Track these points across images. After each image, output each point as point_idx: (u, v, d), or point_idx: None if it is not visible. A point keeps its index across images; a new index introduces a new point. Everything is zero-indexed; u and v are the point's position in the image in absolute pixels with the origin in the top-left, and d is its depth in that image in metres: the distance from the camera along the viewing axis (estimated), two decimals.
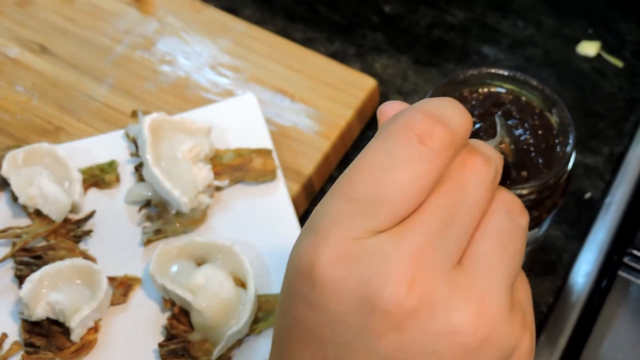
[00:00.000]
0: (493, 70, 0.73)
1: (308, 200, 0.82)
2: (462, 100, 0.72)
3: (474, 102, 0.72)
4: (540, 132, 0.71)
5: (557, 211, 0.71)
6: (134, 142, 0.79)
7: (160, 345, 0.69)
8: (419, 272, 0.38)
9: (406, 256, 0.38)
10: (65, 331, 0.70)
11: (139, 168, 0.78)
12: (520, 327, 0.40)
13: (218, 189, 0.77)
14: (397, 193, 0.39)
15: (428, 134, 0.39)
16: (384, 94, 0.90)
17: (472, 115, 0.71)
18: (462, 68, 0.92)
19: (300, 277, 0.39)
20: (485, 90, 0.73)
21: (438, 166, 0.39)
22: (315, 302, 0.39)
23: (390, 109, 0.43)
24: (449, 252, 0.39)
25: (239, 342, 0.70)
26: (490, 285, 0.39)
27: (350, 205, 0.39)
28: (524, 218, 0.42)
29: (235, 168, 0.78)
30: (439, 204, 0.39)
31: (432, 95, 0.71)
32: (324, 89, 0.86)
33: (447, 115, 0.40)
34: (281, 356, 0.42)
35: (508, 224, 0.41)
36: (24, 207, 0.76)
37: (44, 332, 0.70)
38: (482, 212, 0.40)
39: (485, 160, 0.41)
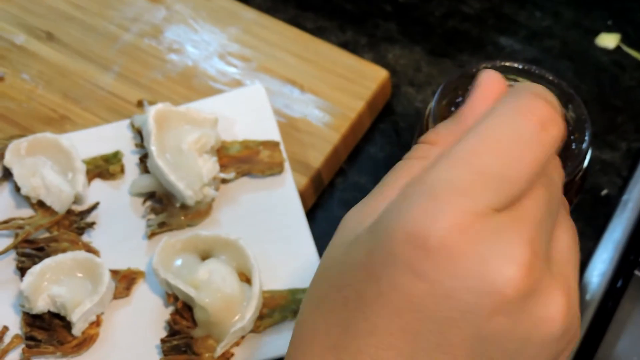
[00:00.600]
0: (507, 64, 0.70)
1: (316, 194, 0.81)
2: None
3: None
4: None
5: (573, 208, 0.69)
6: (139, 132, 0.77)
7: (163, 340, 0.68)
8: (535, 258, 0.38)
9: (526, 241, 0.38)
10: (67, 325, 0.69)
11: (144, 159, 0.76)
12: (578, 315, 0.42)
13: (224, 181, 0.76)
14: (522, 173, 0.39)
15: (550, 121, 0.40)
16: (396, 85, 0.88)
17: None
18: (477, 59, 0.90)
19: (409, 243, 0.38)
20: None
21: (552, 154, 0.41)
22: (425, 273, 0.38)
23: (492, 81, 0.45)
24: (548, 242, 0.40)
25: (243, 339, 0.68)
26: (573, 278, 0.41)
27: (476, 177, 0.38)
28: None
29: (242, 160, 0.76)
30: (544, 193, 0.40)
31: (445, 89, 0.69)
32: (335, 79, 0.84)
33: (556, 104, 0.41)
34: (352, 323, 0.40)
35: (569, 219, 0.43)
36: (27, 198, 0.74)
37: (45, 325, 0.69)
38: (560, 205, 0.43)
39: (559, 163, 0.43)
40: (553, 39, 0.92)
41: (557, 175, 0.43)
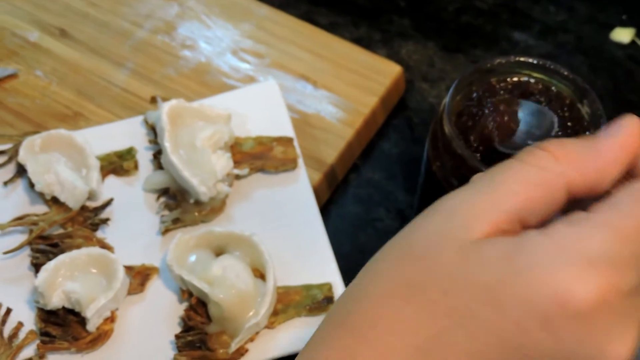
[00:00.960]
0: (522, 59, 0.70)
1: (330, 190, 0.81)
2: (490, 89, 0.70)
3: (501, 92, 0.70)
4: (570, 123, 0.68)
5: None
6: (153, 129, 0.77)
7: (177, 336, 0.68)
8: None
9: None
10: (81, 321, 0.69)
11: (157, 155, 0.76)
12: None
13: (237, 177, 0.75)
14: None
15: None
16: (409, 81, 0.88)
17: (499, 105, 0.69)
18: (491, 55, 0.90)
19: (549, 298, 0.39)
20: (514, 79, 0.71)
21: None
22: (551, 326, 0.39)
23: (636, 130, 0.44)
24: None
25: (257, 335, 0.68)
26: None
27: (630, 257, 0.39)
28: None
29: (256, 156, 0.76)
30: None
31: (459, 84, 0.69)
32: (348, 75, 0.84)
33: None
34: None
35: None
36: (41, 194, 0.74)
37: (59, 321, 0.69)
38: None
39: None
40: (567, 33, 0.92)
41: None
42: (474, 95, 0.70)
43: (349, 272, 0.74)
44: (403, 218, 0.80)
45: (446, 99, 0.68)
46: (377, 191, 0.81)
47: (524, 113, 0.68)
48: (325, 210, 0.80)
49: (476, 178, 0.45)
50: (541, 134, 0.67)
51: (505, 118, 0.69)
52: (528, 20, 0.92)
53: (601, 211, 0.41)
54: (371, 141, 0.84)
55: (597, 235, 0.40)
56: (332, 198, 0.81)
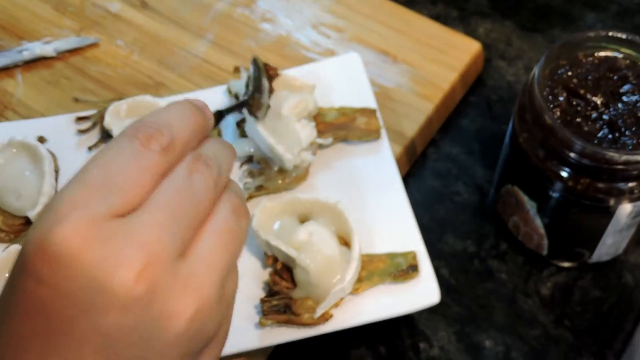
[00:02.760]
0: (611, 33, 0.70)
1: (409, 163, 0.81)
2: (576, 64, 0.70)
3: (588, 67, 0.70)
4: None
5: None
6: (236, 97, 0.78)
7: (263, 300, 0.68)
8: (148, 261, 0.41)
9: (137, 245, 0.41)
10: None
11: (241, 124, 0.76)
12: (223, 317, 0.46)
13: (321, 146, 0.76)
14: (124, 180, 0.43)
15: (148, 138, 0.44)
16: (487, 59, 0.88)
17: (586, 80, 0.69)
18: (568, 34, 0.89)
19: (32, 253, 0.41)
20: (602, 54, 0.71)
21: (158, 162, 0.44)
22: (44, 278, 0.41)
23: None
24: (174, 244, 0.42)
25: (341, 301, 0.69)
26: (206, 279, 0.43)
27: (84, 189, 0.42)
28: (245, 220, 0.47)
29: (339, 127, 0.76)
30: (166, 199, 0.43)
31: (547, 59, 0.69)
32: (428, 51, 0.84)
33: (171, 123, 0.45)
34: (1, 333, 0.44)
35: (231, 224, 0.46)
36: None
37: None
38: (207, 210, 0.45)
39: (207, 165, 0.46)
40: None
41: (197, 179, 0.45)
42: (562, 71, 0.70)
43: (428, 244, 0.74)
44: (481, 193, 0.80)
45: (535, 71, 0.68)
46: (455, 166, 0.82)
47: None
48: (404, 183, 0.80)
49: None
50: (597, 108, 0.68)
51: (591, 94, 0.69)
52: (605, 1, 0.92)
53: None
54: (449, 117, 0.84)
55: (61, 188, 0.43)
56: (411, 171, 0.81)
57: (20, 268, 0.42)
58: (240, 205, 0.47)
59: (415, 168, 0.81)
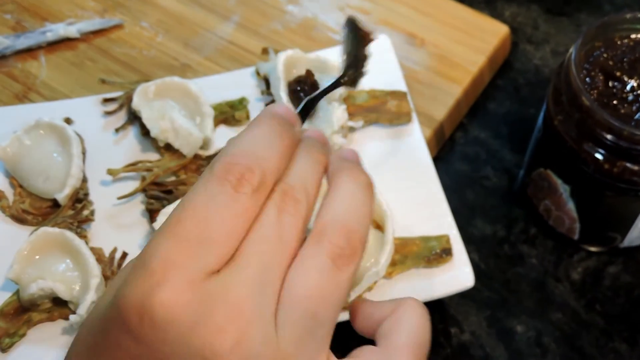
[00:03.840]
0: None
1: (438, 147, 0.80)
2: (612, 45, 0.69)
3: (624, 49, 0.69)
4: None
5: None
6: (265, 79, 0.77)
7: None
8: (243, 329, 0.41)
9: (233, 311, 0.41)
10: None
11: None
12: None
13: (352, 129, 0.75)
14: (219, 233, 0.41)
15: (239, 180, 0.42)
16: (514, 43, 0.87)
17: (622, 62, 0.69)
18: (594, 19, 0.89)
19: (131, 313, 0.41)
20: (638, 36, 0.70)
21: (251, 206, 0.42)
22: (141, 338, 0.41)
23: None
24: (267, 301, 0.42)
25: (375, 285, 0.68)
26: (295, 352, 0.42)
27: (181, 246, 0.41)
28: (347, 269, 0.45)
29: (369, 109, 0.75)
30: (257, 252, 0.42)
31: (583, 40, 0.68)
32: (455, 34, 0.84)
33: (259, 155, 0.43)
34: None
35: (326, 278, 0.43)
36: (153, 142, 0.74)
37: None
38: (294, 252, 0.43)
39: (296, 201, 0.44)
40: None
41: (286, 219, 0.43)
42: (597, 53, 0.69)
43: (458, 228, 0.73)
44: (510, 177, 0.79)
45: (572, 51, 0.67)
46: (483, 150, 0.81)
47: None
48: (437, 164, 0.80)
49: None
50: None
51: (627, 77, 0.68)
52: None
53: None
54: (477, 101, 0.84)
55: (150, 241, 0.42)
56: (439, 155, 0.81)
57: (116, 321, 0.41)
58: (344, 248, 0.44)
59: (443, 152, 0.81)
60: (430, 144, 0.78)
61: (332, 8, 0.85)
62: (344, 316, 0.53)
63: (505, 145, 0.81)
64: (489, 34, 0.83)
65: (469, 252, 0.75)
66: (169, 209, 0.69)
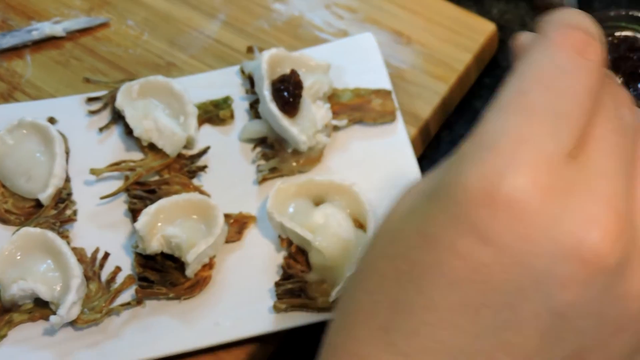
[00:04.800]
0: (631, 12, 0.69)
1: (424, 145, 0.80)
2: None
3: (608, 47, 0.69)
4: None
5: None
6: (250, 78, 0.77)
7: (277, 284, 0.68)
8: (620, 220, 0.34)
9: (604, 198, 0.34)
10: (179, 267, 0.68)
11: (254, 105, 0.75)
12: None
13: (336, 128, 0.75)
14: (576, 106, 0.35)
15: (586, 46, 0.36)
16: (501, 40, 0.86)
17: (606, 60, 0.68)
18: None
19: (473, 202, 0.33)
20: (623, 34, 0.70)
21: (599, 78, 0.36)
22: (492, 235, 0.33)
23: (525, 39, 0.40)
24: (627, 197, 0.35)
25: None
26: None
27: (531, 120, 0.34)
28: None
29: (354, 108, 0.75)
30: (611, 133, 0.36)
31: None
32: (442, 31, 0.83)
33: (591, 29, 0.38)
34: (404, 298, 0.36)
35: None
36: (137, 141, 0.74)
37: (157, 266, 0.69)
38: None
39: (624, 96, 0.39)
40: None
41: (627, 111, 0.38)
42: None
43: None
44: None
45: None
46: None
47: None
48: (418, 165, 0.79)
49: None
50: None
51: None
52: None
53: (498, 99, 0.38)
54: (463, 99, 0.83)
55: (486, 120, 0.37)
56: (424, 154, 0.80)
57: (448, 219, 0.34)
58: None
59: (429, 150, 0.80)
60: (415, 142, 0.77)
61: (318, 6, 0.85)
62: None
63: None
64: (476, 32, 0.83)
65: None
66: (150, 208, 0.68)
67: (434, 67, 0.81)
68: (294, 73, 0.72)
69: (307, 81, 0.73)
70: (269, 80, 0.73)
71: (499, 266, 0.33)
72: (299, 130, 0.71)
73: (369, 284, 0.38)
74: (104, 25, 0.85)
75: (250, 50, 0.79)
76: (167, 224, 0.69)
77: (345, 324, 0.38)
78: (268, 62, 0.73)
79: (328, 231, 0.67)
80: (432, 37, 0.83)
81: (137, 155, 0.74)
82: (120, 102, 0.74)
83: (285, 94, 0.71)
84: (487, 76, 0.85)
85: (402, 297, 0.36)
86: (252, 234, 0.71)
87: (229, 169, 0.74)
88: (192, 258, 0.66)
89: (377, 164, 0.73)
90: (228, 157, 0.75)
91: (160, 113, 0.73)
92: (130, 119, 0.73)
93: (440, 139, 0.81)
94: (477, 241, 0.33)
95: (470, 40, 0.82)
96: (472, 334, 0.35)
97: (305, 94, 0.73)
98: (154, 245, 0.68)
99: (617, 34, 0.70)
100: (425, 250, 0.35)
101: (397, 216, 0.39)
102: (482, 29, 0.83)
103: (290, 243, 0.69)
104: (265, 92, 0.72)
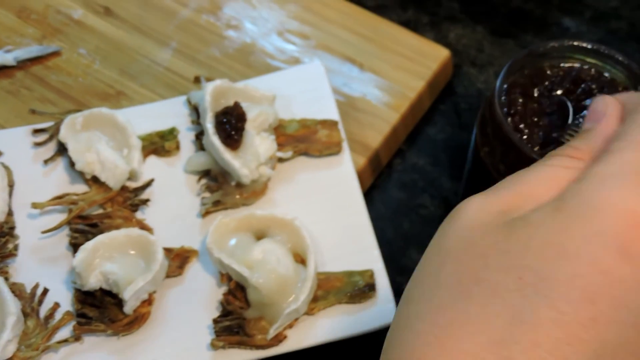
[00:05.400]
0: (576, 43, 0.68)
1: (374, 175, 0.79)
2: (541, 75, 0.68)
3: (553, 79, 0.68)
4: None
5: None
6: (196, 109, 0.76)
7: (215, 321, 0.67)
8: None
9: None
10: (119, 302, 0.68)
11: (199, 136, 0.75)
12: None
13: (281, 160, 0.74)
14: None
15: None
16: (457, 66, 0.86)
17: (552, 91, 0.67)
18: (540, 40, 0.87)
19: (622, 220, 0.35)
20: (567, 65, 0.68)
21: None
22: (635, 254, 0.35)
23: (614, 105, 0.43)
24: None
25: (296, 321, 0.67)
26: None
27: None
28: None
29: (300, 139, 0.74)
30: None
31: (510, 68, 0.66)
32: (395, 58, 0.82)
33: None
34: (529, 310, 0.35)
35: None
36: (81, 174, 0.74)
37: (96, 302, 0.68)
38: None
39: None
40: (620, 20, 0.89)
41: None
42: (525, 80, 0.68)
43: (391, 259, 0.73)
44: (447, 205, 0.78)
45: (497, 83, 0.66)
46: (421, 177, 0.80)
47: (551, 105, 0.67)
48: (369, 195, 0.78)
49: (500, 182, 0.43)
50: (561, 126, 0.66)
51: (554, 107, 0.67)
52: (579, 6, 0.90)
53: (618, 140, 0.40)
54: (417, 126, 0.82)
55: (631, 153, 0.38)
56: (375, 183, 0.79)
57: (591, 234, 0.35)
58: None
59: (380, 179, 0.79)
60: (365, 172, 0.77)
61: (271, 32, 0.84)
62: None
63: (445, 172, 0.80)
64: (430, 58, 0.82)
65: (402, 284, 0.74)
66: (88, 244, 0.68)
67: (386, 95, 0.80)
68: (237, 105, 0.72)
69: (252, 112, 0.72)
70: (212, 113, 0.72)
71: (635, 283, 0.34)
72: (241, 163, 0.70)
73: (475, 296, 0.37)
74: (55, 54, 0.84)
75: (197, 80, 0.78)
76: (106, 259, 0.68)
77: (440, 338, 0.37)
78: (211, 94, 0.73)
79: (266, 267, 0.66)
80: (385, 64, 0.82)
81: (82, 188, 0.74)
82: (64, 134, 0.74)
83: (228, 126, 0.71)
84: (442, 102, 0.84)
85: (527, 310, 0.35)
86: (194, 268, 0.71)
87: (174, 201, 0.74)
88: (129, 295, 0.66)
89: (322, 196, 0.73)
90: (173, 189, 0.74)
91: (103, 145, 0.73)
92: (72, 152, 0.73)
93: (392, 167, 0.80)
94: (619, 258, 0.35)
95: (424, 67, 0.82)
96: (594, 351, 0.35)
97: (250, 125, 0.72)
98: (92, 282, 0.67)
99: (562, 65, 0.68)
100: (560, 263, 0.36)
101: (468, 231, 0.40)
102: (436, 55, 0.82)
103: (230, 278, 0.68)
104: (208, 124, 0.71)
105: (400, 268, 0.75)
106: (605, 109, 0.43)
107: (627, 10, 0.90)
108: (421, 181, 0.79)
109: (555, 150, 0.42)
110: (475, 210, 0.41)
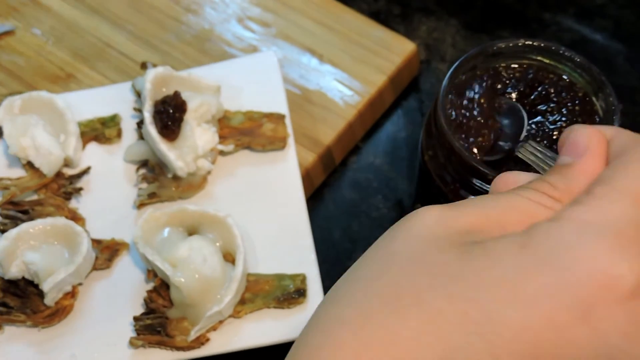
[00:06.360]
0: (530, 42, 0.64)
1: (326, 172, 0.75)
2: (496, 76, 0.64)
3: (507, 81, 0.64)
4: (580, 119, 0.62)
5: None
6: (138, 95, 0.73)
7: (136, 318, 0.64)
8: None
9: None
10: (41, 293, 0.65)
11: (141, 125, 0.72)
12: None
13: (222, 153, 0.71)
14: None
15: None
16: (426, 61, 0.82)
17: (504, 95, 0.63)
18: (517, 37, 0.82)
19: (593, 287, 0.33)
20: (524, 65, 0.64)
21: None
22: (602, 327, 0.33)
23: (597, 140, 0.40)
24: None
25: (221, 324, 0.64)
26: None
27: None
28: None
29: (244, 132, 0.71)
30: None
31: (458, 68, 0.62)
32: (357, 50, 0.78)
33: None
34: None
35: None
36: (19, 158, 0.71)
37: (19, 292, 0.66)
38: None
39: None
40: (606, 18, 0.84)
41: None
42: (476, 81, 0.64)
43: (336, 262, 0.70)
44: (401, 208, 0.74)
45: (443, 82, 0.62)
46: (376, 177, 0.76)
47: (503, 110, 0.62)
48: (319, 193, 0.75)
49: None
50: (513, 133, 0.61)
51: (506, 112, 0.63)
52: (562, 1, 0.85)
53: (603, 184, 0.37)
54: (377, 123, 0.78)
55: (615, 205, 0.35)
56: (327, 181, 0.76)
57: (550, 287, 0.34)
58: None
59: (333, 177, 0.76)
60: (315, 169, 0.73)
61: (231, 19, 0.81)
62: None
63: (402, 173, 0.76)
64: (394, 51, 0.78)
65: None
66: (11, 233, 0.65)
67: (344, 89, 0.76)
68: (176, 95, 0.68)
69: (194, 102, 0.69)
70: (151, 101, 0.69)
71: (590, 350, 0.33)
72: (177, 155, 0.67)
73: (411, 319, 0.35)
74: (9, 33, 0.82)
75: (144, 66, 0.75)
76: (29, 248, 0.65)
77: (359, 354, 0.35)
78: (152, 82, 0.70)
79: (190, 266, 0.63)
80: (347, 56, 0.78)
81: (20, 173, 0.71)
82: (1, 117, 0.71)
83: (165, 116, 0.68)
84: (405, 99, 0.80)
85: (463, 352, 0.34)
86: (123, 262, 0.68)
87: (111, 191, 0.71)
88: (49, 287, 0.63)
89: (262, 194, 0.69)
90: (111, 178, 0.71)
91: (39, 130, 0.70)
92: (7, 136, 0.70)
93: (347, 165, 0.76)
94: (580, 318, 0.33)
95: (387, 61, 0.78)
96: None
97: (190, 116, 0.69)
98: (13, 271, 0.65)
99: (518, 66, 0.64)
100: (512, 307, 0.34)
101: (423, 243, 0.37)
102: (402, 49, 0.78)
103: (155, 275, 0.65)
104: (146, 113, 0.69)
105: (344, 272, 0.71)
106: (589, 142, 0.39)
107: (614, 8, 0.85)
108: (376, 181, 0.76)
109: (530, 183, 0.39)
110: (433, 222, 0.37)
